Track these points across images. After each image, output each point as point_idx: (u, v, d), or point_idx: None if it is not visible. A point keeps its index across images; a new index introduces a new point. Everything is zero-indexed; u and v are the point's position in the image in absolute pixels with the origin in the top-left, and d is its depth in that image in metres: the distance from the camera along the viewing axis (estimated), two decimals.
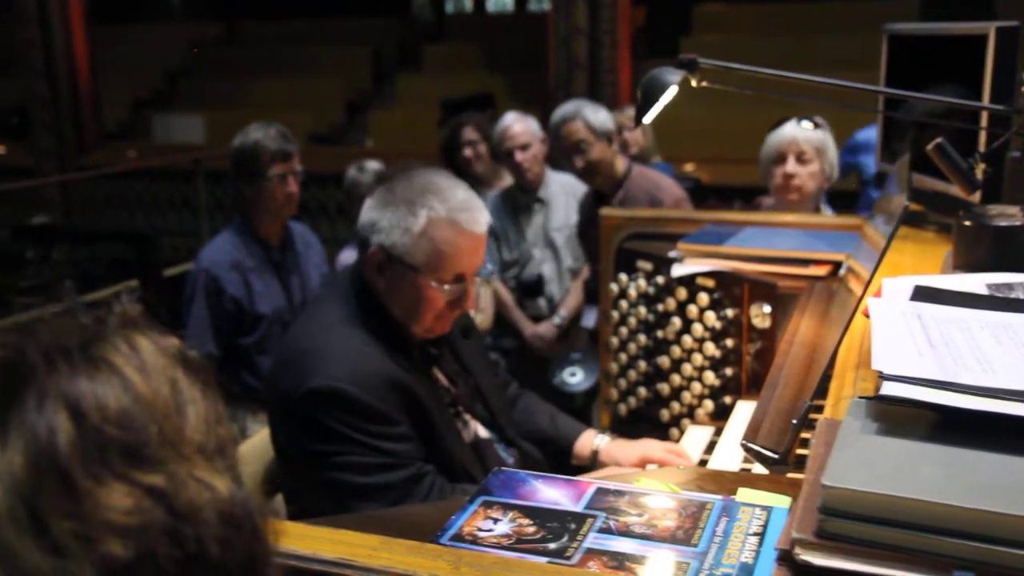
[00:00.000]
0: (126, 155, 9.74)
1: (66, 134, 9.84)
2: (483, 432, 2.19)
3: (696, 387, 2.54)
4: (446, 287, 1.98)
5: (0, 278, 6.19)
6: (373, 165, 4.10)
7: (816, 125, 3.11)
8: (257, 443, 2.22)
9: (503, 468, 1.42)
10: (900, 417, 1.07)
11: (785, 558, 0.99)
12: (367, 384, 1.89)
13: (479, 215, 2.00)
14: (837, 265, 2.35)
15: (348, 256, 3.97)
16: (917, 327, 1.23)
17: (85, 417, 0.61)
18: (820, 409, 1.52)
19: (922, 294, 1.38)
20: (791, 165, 3.08)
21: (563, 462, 2.35)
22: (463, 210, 1.97)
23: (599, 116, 3.72)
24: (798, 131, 3.09)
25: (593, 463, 2.29)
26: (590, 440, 2.33)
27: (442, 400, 2.09)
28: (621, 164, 3.81)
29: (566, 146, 3.73)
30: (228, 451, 0.69)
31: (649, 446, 2.20)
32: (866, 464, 0.98)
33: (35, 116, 9.87)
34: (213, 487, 0.64)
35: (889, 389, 1.05)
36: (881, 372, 1.09)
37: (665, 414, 2.65)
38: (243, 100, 10.38)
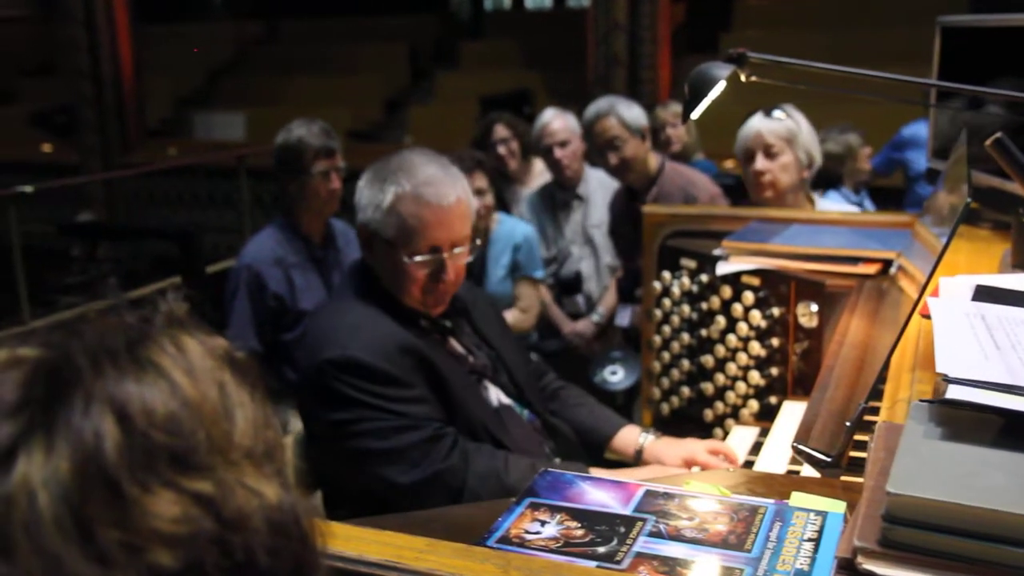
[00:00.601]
0: (167, 152, 9.84)
1: (110, 132, 9.97)
2: (505, 399, 2.21)
3: (741, 387, 2.50)
4: (417, 259, 2.01)
5: (46, 275, 6.27)
6: None
7: (787, 115, 2.94)
8: (298, 439, 2.22)
9: (550, 470, 1.39)
10: (965, 421, 1.03)
11: (846, 566, 0.96)
12: (378, 350, 1.94)
13: (446, 188, 2.02)
14: (887, 263, 2.29)
15: None
16: (981, 328, 1.18)
17: (132, 422, 0.59)
18: (874, 411, 1.48)
19: (984, 294, 1.33)
20: (760, 162, 2.92)
21: (600, 454, 2.33)
22: (428, 184, 2.01)
23: (632, 112, 3.69)
24: (762, 124, 2.93)
25: (636, 460, 2.26)
26: (634, 436, 2.30)
27: (459, 366, 2.12)
28: (654, 161, 3.78)
29: (599, 143, 3.70)
30: (276, 455, 0.67)
31: (694, 447, 2.17)
32: (931, 470, 0.94)
33: (80, 115, 10.00)
34: (262, 494, 0.62)
35: (955, 393, 1.01)
36: (946, 375, 1.05)
37: (709, 414, 2.61)
38: (283, 97, 10.43)
